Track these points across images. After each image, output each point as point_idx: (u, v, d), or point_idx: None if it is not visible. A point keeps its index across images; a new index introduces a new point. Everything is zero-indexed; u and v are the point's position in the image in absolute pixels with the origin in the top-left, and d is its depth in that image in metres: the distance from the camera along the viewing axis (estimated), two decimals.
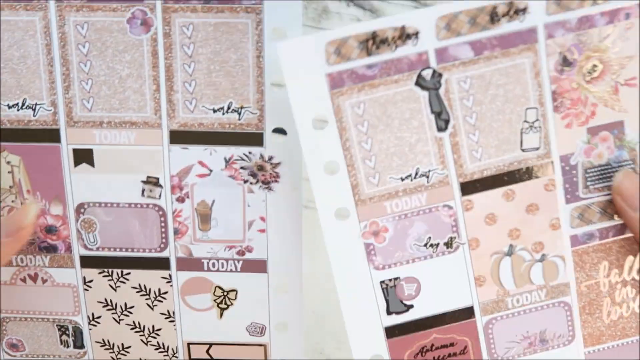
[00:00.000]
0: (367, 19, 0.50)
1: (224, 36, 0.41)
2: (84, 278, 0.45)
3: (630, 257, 0.44)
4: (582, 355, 0.46)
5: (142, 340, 0.47)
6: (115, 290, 0.46)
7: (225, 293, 0.46)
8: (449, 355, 0.46)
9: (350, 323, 0.45)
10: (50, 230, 0.45)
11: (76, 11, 0.41)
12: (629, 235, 0.44)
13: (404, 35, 0.39)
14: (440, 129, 0.41)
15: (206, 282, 0.46)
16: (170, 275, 0.46)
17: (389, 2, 0.50)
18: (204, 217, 0.44)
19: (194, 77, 0.41)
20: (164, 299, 0.46)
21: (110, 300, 0.46)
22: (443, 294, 0.45)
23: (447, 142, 0.41)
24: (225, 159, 0.43)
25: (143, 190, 0.43)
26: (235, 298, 0.46)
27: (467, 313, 0.45)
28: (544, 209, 0.43)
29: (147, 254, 0.45)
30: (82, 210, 0.44)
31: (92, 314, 0.46)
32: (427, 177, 0.42)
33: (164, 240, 0.45)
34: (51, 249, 0.45)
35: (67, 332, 0.47)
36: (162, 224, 0.44)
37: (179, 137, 0.42)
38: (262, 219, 0.44)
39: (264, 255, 0.45)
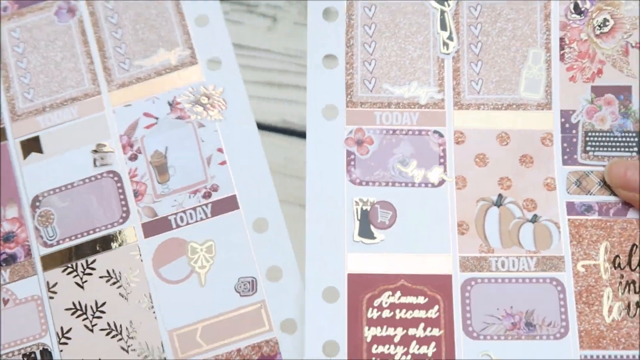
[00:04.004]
0: None
1: None
2: (48, 283, 0.41)
3: (634, 245, 0.39)
4: (577, 357, 0.37)
5: (122, 347, 0.40)
6: (82, 287, 0.41)
7: (201, 249, 0.41)
8: (417, 315, 0.38)
9: (311, 244, 0.39)
10: (7, 238, 0.43)
11: (7, 20, 0.45)
12: (632, 217, 0.39)
13: None
14: (443, 50, 0.41)
15: (178, 243, 0.42)
16: (139, 247, 0.41)
17: None
18: (161, 168, 0.43)
19: (122, 40, 0.44)
20: (137, 280, 0.41)
21: (79, 303, 0.41)
22: (419, 233, 0.39)
23: (449, 66, 0.41)
24: (169, 102, 0.43)
25: (95, 161, 0.43)
26: (214, 253, 0.41)
27: (443, 264, 0.39)
28: (539, 165, 0.40)
29: (110, 230, 0.42)
30: (38, 203, 0.43)
31: (61, 329, 0.41)
32: (422, 96, 0.40)
33: (124, 209, 0.42)
34: (10, 260, 0.42)
35: None
36: (120, 190, 0.42)
37: (119, 97, 0.43)
38: (220, 150, 0.42)
39: (232, 190, 0.41)
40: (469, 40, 0.41)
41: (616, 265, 0.39)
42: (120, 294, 0.41)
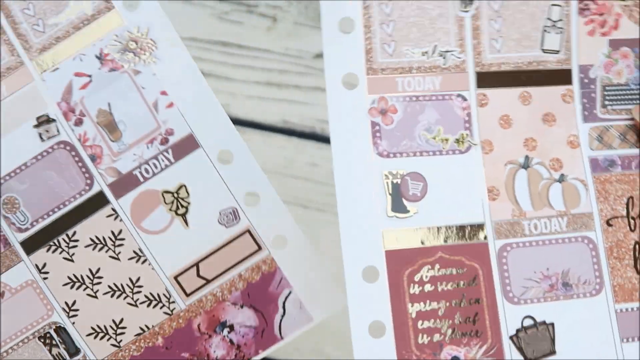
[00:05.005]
0: None
1: None
2: (37, 266, 0.41)
3: None
4: (613, 313, 0.38)
5: (130, 304, 0.41)
6: (72, 260, 0.41)
7: (175, 195, 0.41)
8: (458, 286, 0.37)
9: (345, 225, 0.37)
10: None
11: None
12: None
13: None
14: (463, 8, 0.39)
15: (151, 194, 0.41)
16: (113, 209, 0.40)
17: None
18: (110, 126, 0.41)
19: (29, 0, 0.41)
20: (123, 239, 0.41)
21: (74, 276, 0.41)
22: (451, 201, 0.38)
23: (469, 24, 0.39)
24: (97, 56, 0.40)
25: (40, 135, 0.41)
26: (188, 195, 0.40)
27: (478, 232, 0.38)
28: (561, 122, 0.40)
29: (79, 200, 0.40)
30: None
31: (66, 304, 0.41)
32: (444, 57, 0.39)
33: (86, 175, 0.41)
34: None
35: (53, 341, 0.42)
36: (76, 158, 0.41)
37: (44, 62, 0.41)
38: (163, 93, 0.40)
39: (187, 129, 0.40)
40: None
41: None
42: (110, 256, 0.41)
